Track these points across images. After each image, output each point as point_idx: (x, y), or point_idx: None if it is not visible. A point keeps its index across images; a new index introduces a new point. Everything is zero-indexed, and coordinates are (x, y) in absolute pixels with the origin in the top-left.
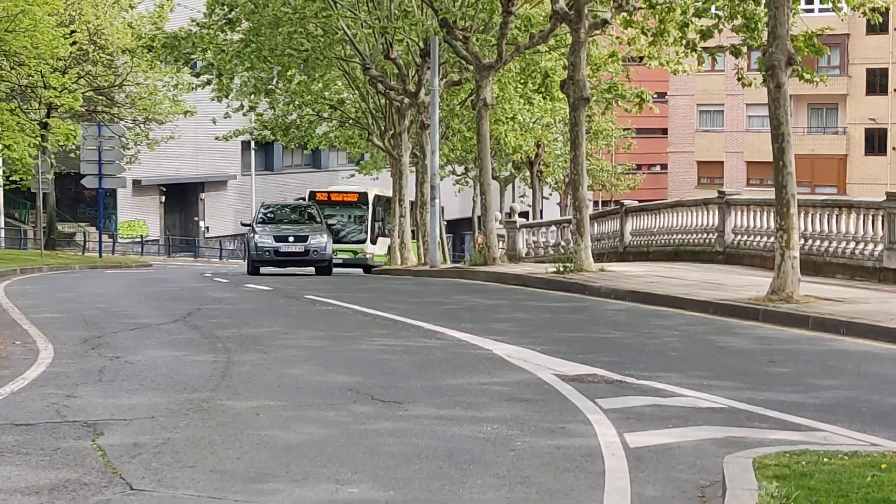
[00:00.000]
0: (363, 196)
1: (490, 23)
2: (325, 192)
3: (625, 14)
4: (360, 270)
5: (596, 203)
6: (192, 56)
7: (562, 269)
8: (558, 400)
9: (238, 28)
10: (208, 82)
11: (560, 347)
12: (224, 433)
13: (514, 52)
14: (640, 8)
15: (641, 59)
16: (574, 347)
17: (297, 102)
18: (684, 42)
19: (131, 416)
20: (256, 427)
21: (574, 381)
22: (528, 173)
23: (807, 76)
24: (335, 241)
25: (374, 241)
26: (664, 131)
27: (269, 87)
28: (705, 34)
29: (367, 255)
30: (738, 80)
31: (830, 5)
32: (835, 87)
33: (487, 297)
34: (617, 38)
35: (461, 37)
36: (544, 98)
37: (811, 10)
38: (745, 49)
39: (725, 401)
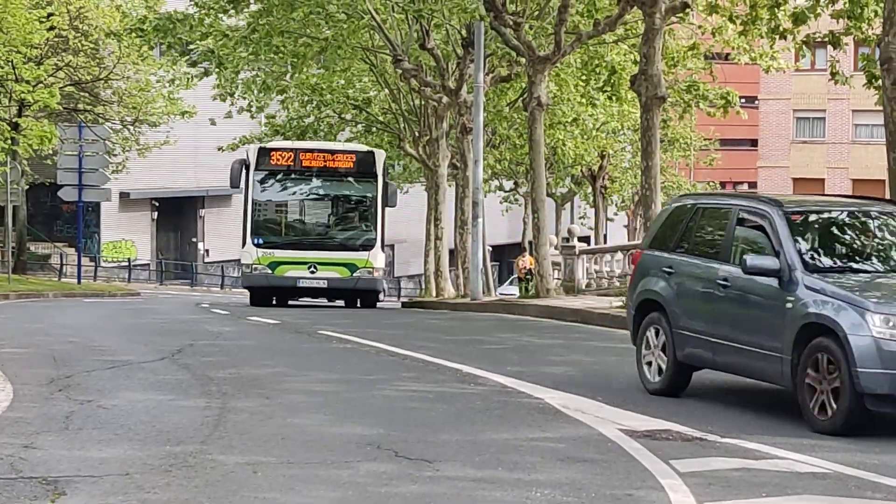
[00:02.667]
0: (366, 159)
1: (546, 7)
2: (290, 149)
3: None
4: (352, 301)
5: None
6: (190, 43)
7: None
8: (624, 460)
9: (245, 10)
10: (206, 73)
11: (626, 397)
12: (213, 495)
13: (575, 42)
14: None
15: (728, 55)
16: (644, 398)
17: (314, 102)
18: (774, 27)
19: (101, 473)
20: (253, 488)
21: (644, 438)
22: (589, 189)
23: None
24: (312, 246)
25: (381, 247)
26: (753, 142)
27: (282, 82)
28: (799, 18)
29: (373, 274)
30: (832, 74)
31: None
32: None
33: (539, 335)
34: (699, 27)
35: (511, 23)
36: (610, 98)
37: None
38: (846, 39)
39: (830, 465)
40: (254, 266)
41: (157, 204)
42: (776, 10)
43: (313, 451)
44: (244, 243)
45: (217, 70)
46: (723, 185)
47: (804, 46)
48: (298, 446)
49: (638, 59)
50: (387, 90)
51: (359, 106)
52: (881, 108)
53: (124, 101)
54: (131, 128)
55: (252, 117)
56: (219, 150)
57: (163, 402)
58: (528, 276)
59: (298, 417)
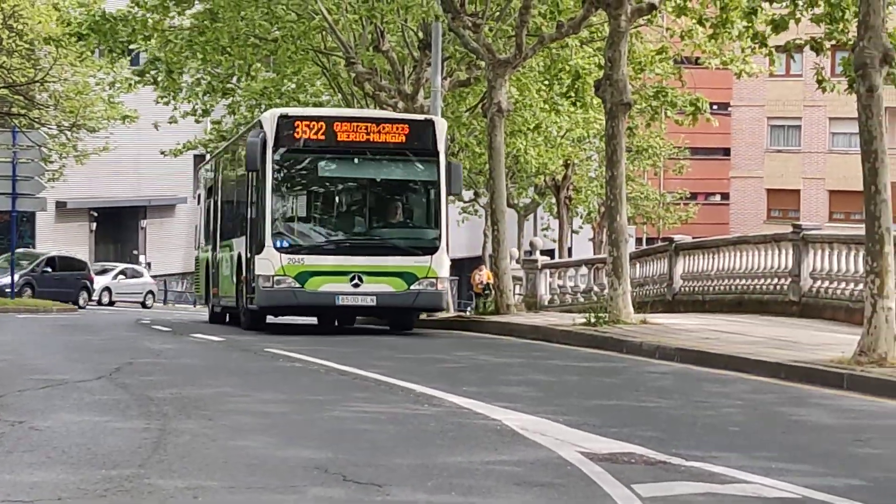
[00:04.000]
0: (424, 131)
1: (507, 8)
2: (322, 118)
3: None
4: (402, 323)
5: (639, 240)
6: (132, 45)
7: (593, 320)
8: (584, 485)
9: (189, 10)
10: (154, 81)
11: (588, 418)
12: None
13: (538, 45)
14: None
15: (698, 59)
16: (606, 419)
17: (263, 106)
18: (751, 35)
19: (32, 498)
20: None
21: (605, 462)
22: (553, 201)
23: None
24: (354, 249)
25: (447, 249)
26: (726, 151)
27: (228, 85)
28: (778, 25)
29: (437, 286)
30: (819, 83)
31: None
32: None
33: (497, 353)
34: (667, 29)
35: (470, 24)
36: (574, 104)
37: None
38: (827, 44)
39: (799, 489)
40: (276, 278)
41: (95, 214)
42: (753, 16)
43: (258, 475)
44: (259, 248)
45: (166, 81)
46: (694, 195)
47: (780, 52)
48: (242, 470)
49: (603, 63)
50: (339, 94)
51: None
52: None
53: (61, 104)
54: (69, 133)
55: (197, 122)
56: (161, 154)
57: (99, 423)
58: (486, 291)
59: (243, 440)
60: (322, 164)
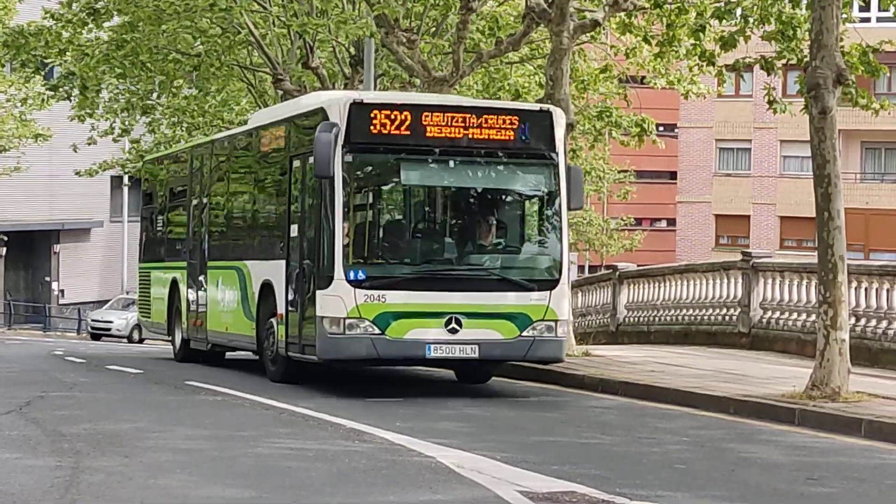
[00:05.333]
0: (539, 124)
1: (444, 23)
2: (407, 106)
3: (622, 15)
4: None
5: (581, 267)
6: (46, 59)
7: None
8: None
9: (107, 24)
10: (68, 96)
11: (528, 456)
12: None
13: (476, 62)
14: (643, 8)
15: (644, 78)
16: (547, 456)
17: (185, 125)
18: (698, 53)
19: None
20: None
21: (545, 501)
22: None
23: (862, 101)
24: (450, 283)
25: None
26: (672, 175)
27: (148, 101)
28: (727, 43)
29: (555, 331)
30: (769, 103)
31: (893, 11)
32: None
33: (430, 387)
34: (612, 47)
35: (405, 40)
36: None
37: (867, 20)
38: (779, 63)
39: None
40: (347, 321)
41: (5, 238)
42: (701, 34)
43: None
44: (325, 279)
45: (80, 96)
46: (639, 221)
47: (729, 71)
48: None
49: (544, 81)
50: None
51: None
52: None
53: None
54: None
55: (115, 141)
56: (76, 174)
57: (8, 460)
58: None
59: (161, 478)
60: (407, 168)
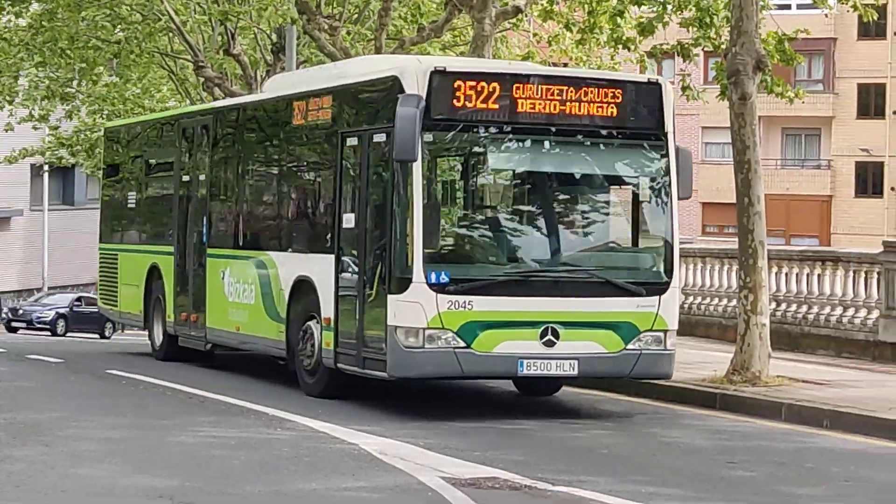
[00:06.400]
0: (648, 99)
1: (366, 10)
2: (495, 74)
3: (544, 2)
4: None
5: None
6: None
7: None
8: None
9: (26, 10)
10: None
11: (451, 441)
12: None
13: (398, 49)
14: None
15: (566, 65)
16: (470, 442)
17: (105, 112)
18: (617, 39)
19: None
20: None
21: (468, 487)
22: None
23: (777, 89)
24: (545, 288)
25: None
26: None
27: (68, 89)
28: (646, 29)
29: (664, 343)
30: (683, 90)
31: None
32: (817, 108)
33: None
34: (534, 34)
35: (327, 27)
36: None
37: (787, 6)
38: (695, 50)
39: None
40: (427, 332)
41: None
42: (619, 18)
43: None
44: (400, 282)
45: None
46: None
47: (648, 58)
48: (83, 500)
49: None
50: (188, 99)
51: None
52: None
53: None
54: None
55: (35, 128)
56: None
57: None
58: None
59: (83, 467)
60: (495, 150)
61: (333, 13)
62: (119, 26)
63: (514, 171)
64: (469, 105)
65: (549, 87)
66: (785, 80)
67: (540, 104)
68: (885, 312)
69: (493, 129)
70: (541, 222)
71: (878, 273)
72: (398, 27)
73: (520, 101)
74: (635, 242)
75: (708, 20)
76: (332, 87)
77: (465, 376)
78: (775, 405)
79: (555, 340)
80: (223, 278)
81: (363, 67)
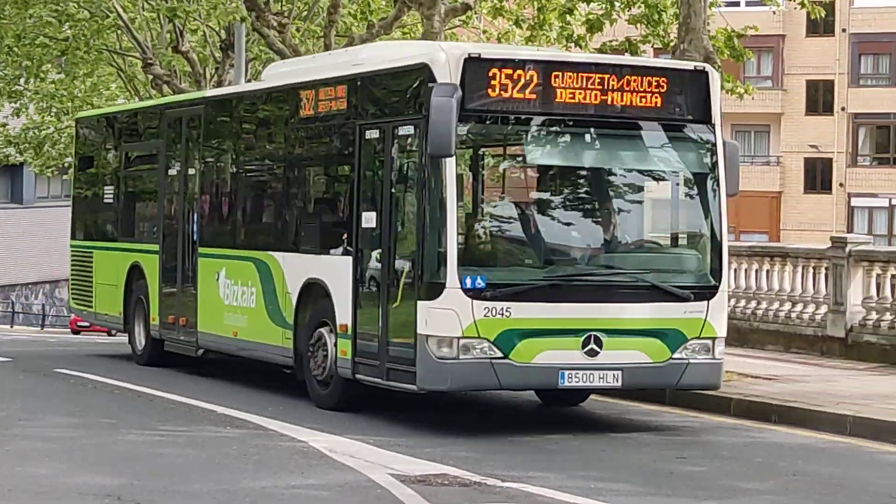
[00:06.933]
0: (694, 87)
1: (315, 7)
2: (533, 62)
3: None
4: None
5: None
6: None
7: None
8: None
9: None
10: None
11: (400, 439)
12: None
13: (347, 46)
14: None
15: None
16: (419, 439)
17: (54, 110)
18: (567, 36)
19: None
20: None
21: (418, 483)
22: None
23: (728, 85)
24: (586, 293)
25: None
26: None
27: (15, 87)
28: (594, 25)
29: (713, 351)
30: None
31: None
32: (766, 105)
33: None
34: (484, 31)
35: (275, 24)
36: None
37: (736, 3)
38: (644, 48)
39: None
40: (462, 342)
41: None
42: (568, 15)
43: (46, 503)
44: (431, 289)
45: None
46: None
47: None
48: (29, 499)
49: None
50: (137, 97)
51: None
52: None
53: None
54: None
55: None
56: None
57: None
58: None
59: (30, 466)
60: (534, 143)
61: (282, 10)
62: (67, 23)
63: (552, 165)
64: (505, 94)
65: (590, 74)
66: (734, 77)
67: (580, 94)
68: (832, 307)
69: (530, 121)
70: (582, 221)
71: (826, 269)
72: (347, 24)
73: (559, 90)
74: (682, 243)
75: (656, 17)
76: (347, 76)
77: (502, 388)
78: (724, 400)
79: (598, 350)
80: (217, 279)
81: (380, 54)
